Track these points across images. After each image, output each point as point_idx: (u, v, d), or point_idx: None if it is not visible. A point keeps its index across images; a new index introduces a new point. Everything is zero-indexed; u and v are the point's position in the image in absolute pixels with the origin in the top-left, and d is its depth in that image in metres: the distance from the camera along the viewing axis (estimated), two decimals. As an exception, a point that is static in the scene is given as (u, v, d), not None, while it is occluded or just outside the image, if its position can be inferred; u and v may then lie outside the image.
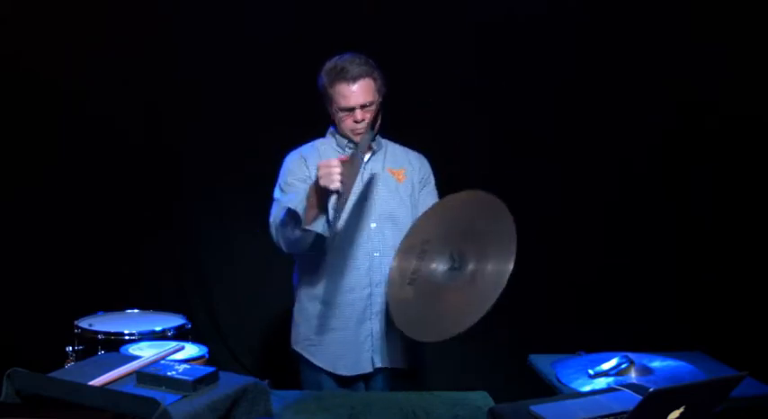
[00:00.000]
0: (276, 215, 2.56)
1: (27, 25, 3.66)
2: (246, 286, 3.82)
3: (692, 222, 3.68)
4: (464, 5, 3.64)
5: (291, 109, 3.58)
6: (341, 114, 2.62)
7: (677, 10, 3.56)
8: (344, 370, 2.67)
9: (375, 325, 2.66)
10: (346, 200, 2.43)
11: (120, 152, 3.74)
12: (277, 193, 2.65)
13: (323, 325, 2.67)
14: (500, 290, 2.21)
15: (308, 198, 2.41)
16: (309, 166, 2.64)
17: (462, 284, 2.35)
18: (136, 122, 3.76)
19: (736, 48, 3.54)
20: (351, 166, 2.38)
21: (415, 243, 2.50)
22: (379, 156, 2.75)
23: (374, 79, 2.63)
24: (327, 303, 2.66)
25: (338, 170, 2.28)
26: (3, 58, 3.66)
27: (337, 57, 2.63)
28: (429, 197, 2.75)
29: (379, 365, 2.67)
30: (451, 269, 2.39)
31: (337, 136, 2.70)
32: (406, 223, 2.67)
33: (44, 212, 3.71)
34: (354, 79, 2.57)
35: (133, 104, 3.74)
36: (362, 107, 2.59)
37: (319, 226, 2.41)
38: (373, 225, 2.65)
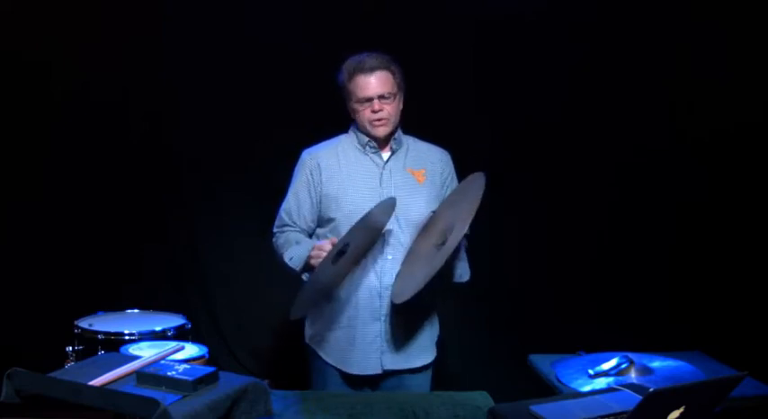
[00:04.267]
0: (277, 242, 2.71)
1: (27, 25, 3.66)
2: (246, 286, 3.81)
3: (692, 222, 3.68)
4: (464, 5, 3.63)
5: (292, 109, 3.58)
6: (359, 106, 2.62)
7: (677, 10, 3.56)
8: (352, 369, 2.66)
9: (385, 326, 2.65)
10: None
11: (119, 152, 3.73)
12: (288, 195, 2.71)
13: (332, 322, 2.68)
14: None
15: (305, 258, 2.55)
16: (323, 171, 2.66)
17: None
18: (136, 122, 3.76)
19: (737, 47, 3.54)
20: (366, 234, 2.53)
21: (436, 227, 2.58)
22: (400, 154, 2.73)
23: (392, 72, 2.64)
24: (338, 300, 2.67)
25: (324, 254, 2.44)
26: (2, 58, 3.66)
27: (357, 55, 2.65)
28: None
29: (388, 367, 2.66)
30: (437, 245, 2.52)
31: (358, 132, 2.70)
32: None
33: (44, 212, 3.70)
34: (372, 70, 2.59)
35: (133, 104, 3.74)
36: (380, 98, 2.60)
37: (305, 276, 2.62)
38: (389, 226, 2.65)
